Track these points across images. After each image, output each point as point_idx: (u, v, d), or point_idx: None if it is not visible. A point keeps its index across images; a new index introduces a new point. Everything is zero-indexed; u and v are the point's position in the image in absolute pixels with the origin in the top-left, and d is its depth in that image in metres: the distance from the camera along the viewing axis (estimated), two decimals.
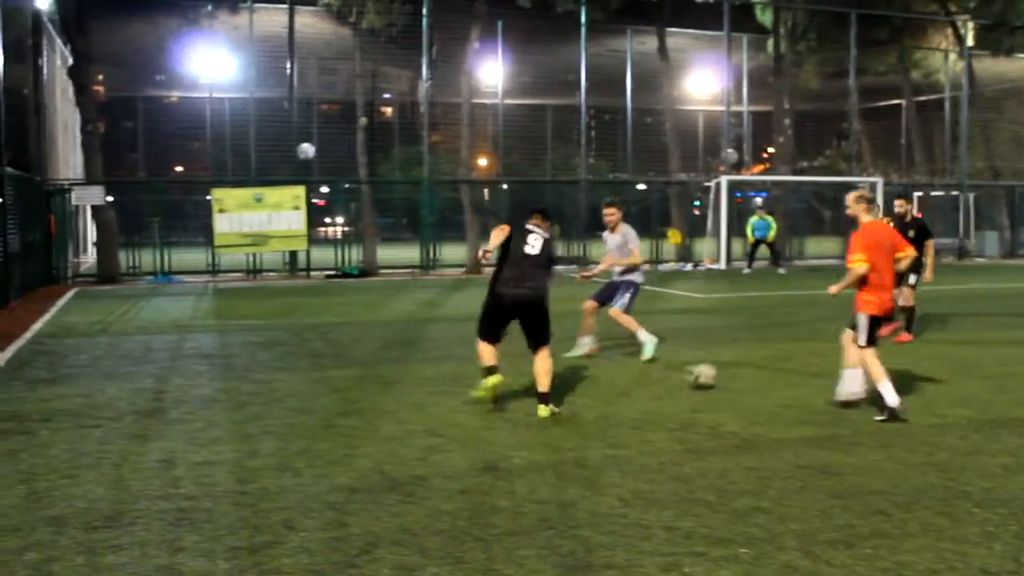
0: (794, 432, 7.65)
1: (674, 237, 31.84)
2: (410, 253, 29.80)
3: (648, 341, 11.39)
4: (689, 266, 30.17)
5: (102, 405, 8.88)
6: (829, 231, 40.03)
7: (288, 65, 28.87)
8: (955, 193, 36.15)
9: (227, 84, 30.76)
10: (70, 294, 21.94)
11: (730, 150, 32.68)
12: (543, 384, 8.45)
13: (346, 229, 31.57)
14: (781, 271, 27.89)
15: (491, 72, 31.30)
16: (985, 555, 5.01)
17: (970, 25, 36.59)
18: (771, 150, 39.45)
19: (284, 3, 28.43)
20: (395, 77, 37.78)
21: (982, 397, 9.06)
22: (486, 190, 34.09)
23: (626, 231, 11.40)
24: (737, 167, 33.29)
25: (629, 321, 11.49)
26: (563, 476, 6.41)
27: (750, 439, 7.43)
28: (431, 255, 28.84)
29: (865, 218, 8.63)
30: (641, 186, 33.53)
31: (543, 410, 8.29)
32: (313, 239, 28.67)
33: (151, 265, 27.11)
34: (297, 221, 26.51)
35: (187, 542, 5.22)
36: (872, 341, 8.36)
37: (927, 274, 13.10)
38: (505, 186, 31.90)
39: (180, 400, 9.11)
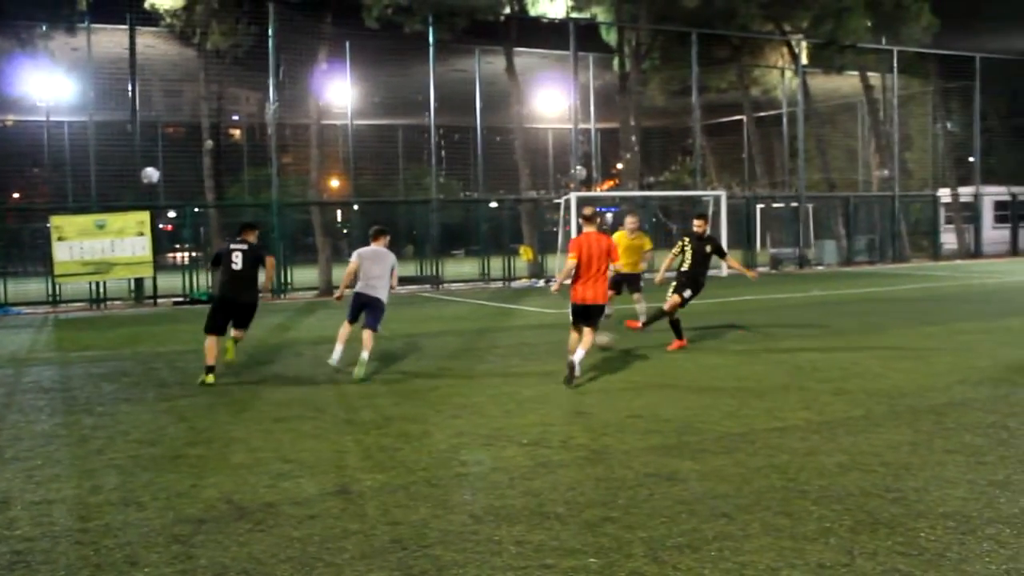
0: (642, 442, 7.81)
1: (525, 254, 32.16)
2: (260, 277, 29.28)
3: (334, 357, 12.14)
4: (541, 282, 30.49)
5: None
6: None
7: (130, 87, 28.13)
8: (795, 204, 37.57)
9: (66, 107, 29.77)
10: None
11: (579, 167, 33.21)
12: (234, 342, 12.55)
13: (194, 254, 30.85)
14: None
15: (340, 93, 31.12)
16: (821, 550, 5.22)
17: (804, 44, 38.19)
18: (619, 166, 40.26)
19: (124, 24, 27.69)
20: (242, 98, 37.25)
21: (821, 400, 9.43)
22: (338, 211, 33.82)
23: None
24: (586, 183, 33.85)
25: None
26: (414, 496, 6.40)
27: (600, 450, 7.56)
28: (282, 279, 28.41)
29: (585, 228, 11.40)
30: (493, 204, 33.78)
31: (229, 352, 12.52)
32: (160, 265, 27.92)
33: None
34: (142, 247, 25.76)
35: None
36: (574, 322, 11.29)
37: (751, 272, 15.41)
38: (356, 207, 31.69)
39: (16, 437, 8.73)
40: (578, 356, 10.83)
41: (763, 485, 6.46)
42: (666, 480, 6.63)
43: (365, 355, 11.64)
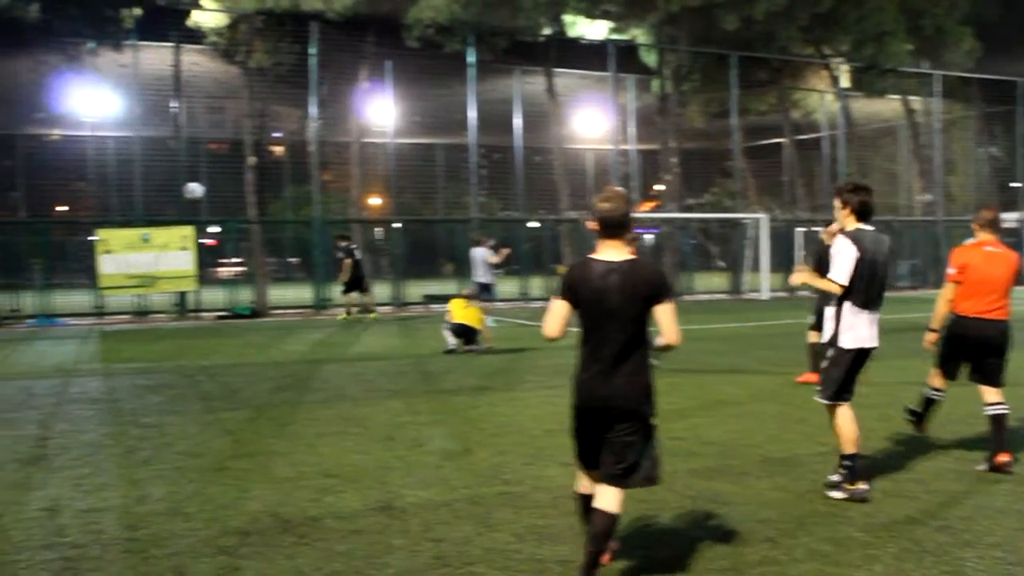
0: (685, 464, 7.78)
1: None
2: (302, 293, 29.54)
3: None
4: None
5: None
6: (717, 267, 41.04)
7: (174, 104, 28.49)
8: None
9: (111, 122, 30.19)
10: None
11: (619, 188, 33.15)
12: None
13: (237, 269, 31.13)
14: None
15: (381, 111, 31.32)
16: None
17: (844, 68, 38.02)
18: (659, 187, 40.22)
19: (169, 42, 28.07)
20: (284, 116, 37.52)
21: (866, 425, 9.34)
22: (378, 229, 34.01)
23: None
24: None
25: None
26: (458, 514, 6.43)
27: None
28: (323, 295, 28.58)
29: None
30: (532, 223, 33.84)
31: None
32: (203, 279, 28.21)
33: (33, 307, 26.34)
34: (186, 261, 26.06)
35: None
36: None
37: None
38: (397, 225, 31.86)
39: (65, 446, 8.86)
40: None
41: (807, 510, 6.44)
42: (710, 502, 6.61)
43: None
